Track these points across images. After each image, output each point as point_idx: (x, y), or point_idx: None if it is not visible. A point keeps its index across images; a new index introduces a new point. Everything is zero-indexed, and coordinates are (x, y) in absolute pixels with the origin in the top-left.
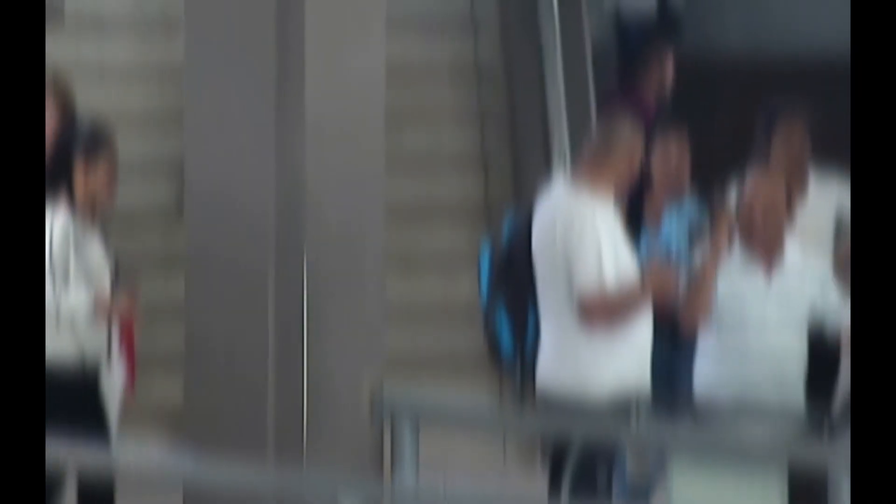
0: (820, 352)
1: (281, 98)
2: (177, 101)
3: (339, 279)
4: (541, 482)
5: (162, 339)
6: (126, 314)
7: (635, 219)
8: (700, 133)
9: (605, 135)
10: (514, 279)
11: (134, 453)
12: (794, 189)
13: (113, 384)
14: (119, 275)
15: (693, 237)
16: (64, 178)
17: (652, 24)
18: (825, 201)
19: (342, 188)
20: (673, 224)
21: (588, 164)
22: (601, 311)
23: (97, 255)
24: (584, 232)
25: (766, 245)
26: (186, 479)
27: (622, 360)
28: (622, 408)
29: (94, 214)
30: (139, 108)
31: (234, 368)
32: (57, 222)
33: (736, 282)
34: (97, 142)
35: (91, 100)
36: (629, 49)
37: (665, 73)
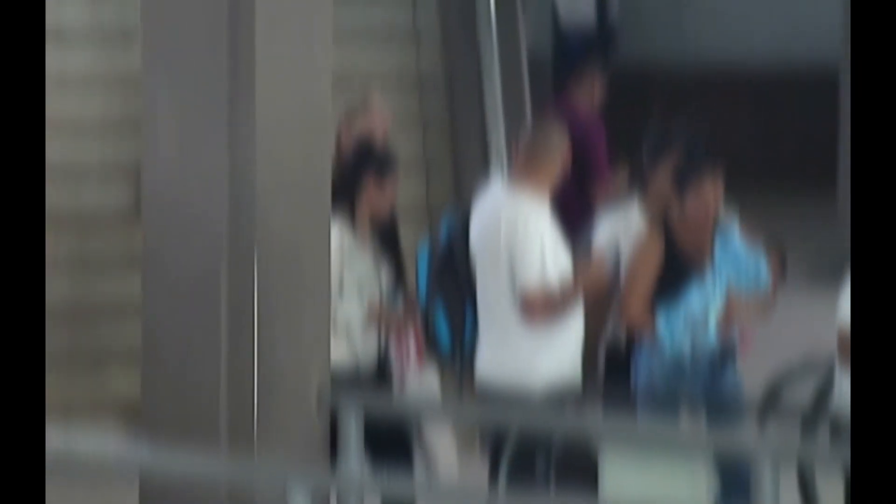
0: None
1: (233, 105)
2: (134, 108)
3: (289, 278)
4: (480, 471)
5: (120, 335)
6: (405, 318)
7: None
8: (633, 139)
9: (539, 140)
10: (452, 277)
11: (91, 444)
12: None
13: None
14: (399, 282)
15: (749, 271)
16: (350, 194)
17: (591, 35)
18: None
19: (291, 191)
20: (724, 255)
21: (524, 167)
22: (543, 307)
23: (369, 267)
24: (527, 231)
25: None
26: (142, 469)
27: (558, 354)
28: (557, 398)
29: (372, 230)
30: (98, 116)
31: (188, 363)
32: (333, 237)
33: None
34: (388, 162)
35: (51, 108)
36: (568, 58)
37: (600, 82)
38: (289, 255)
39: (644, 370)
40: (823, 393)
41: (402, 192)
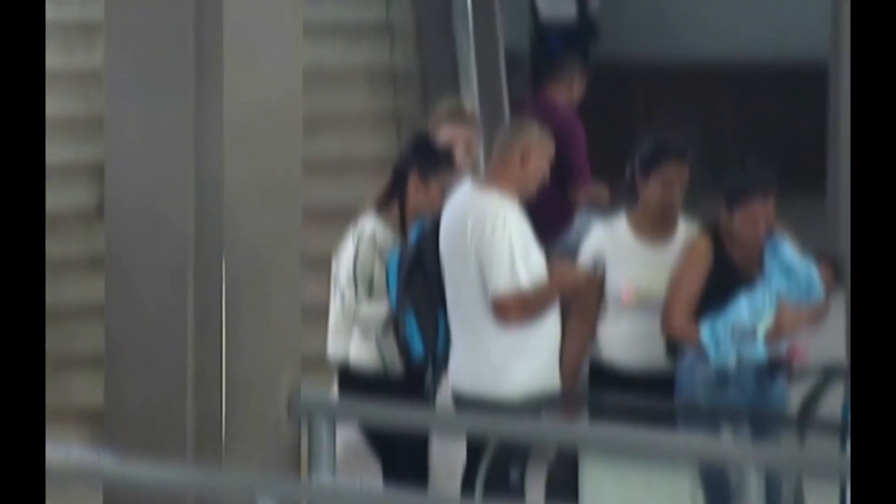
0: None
1: (200, 103)
2: (97, 105)
3: (257, 281)
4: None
5: (83, 338)
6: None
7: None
8: (612, 134)
9: (514, 137)
10: (422, 282)
11: (53, 452)
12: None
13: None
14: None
15: (801, 282)
16: (393, 191)
17: (571, 29)
18: None
19: (260, 191)
20: (775, 265)
21: (497, 166)
22: (516, 308)
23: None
24: (494, 230)
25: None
26: (106, 477)
27: (534, 360)
28: (535, 407)
29: (407, 229)
30: (61, 113)
31: (153, 368)
32: (366, 231)
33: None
34: (437, 160)
35: None
36: (546, 54)
37: (580, 78)
38: (258, 256)
39: (687, 382)
40: (812, 399)
41: (375, 193)
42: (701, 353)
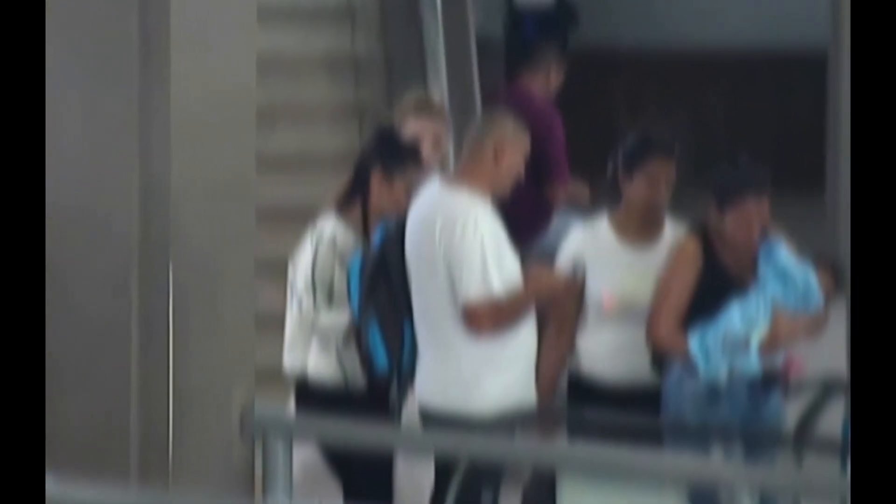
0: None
1: (145, 95)
2: None
3: (207, 288)
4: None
5: None
6: None
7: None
8: (593, 127)
9: (487, 131)
10: (386, 288)
11: None
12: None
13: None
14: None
15: (798, 288)
16: (355, 189)
17: (548, 13)
18: None
19: (210, 191)
20: (769, 270)
21: (468, 162)
22: (489, 317)
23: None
24: (465, 231)
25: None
26: (47, 501)
27: (508, 373)
28: (509, 424)
29: (370, 230)
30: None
31: (95, 385)
32: (325, 234)
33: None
34: (403, 156)
35: None
36: (522, 40)
37: (558, 67)
38: (208, 261)
39: (674, 397)
40: (810, 415)
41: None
42: (689, 365)
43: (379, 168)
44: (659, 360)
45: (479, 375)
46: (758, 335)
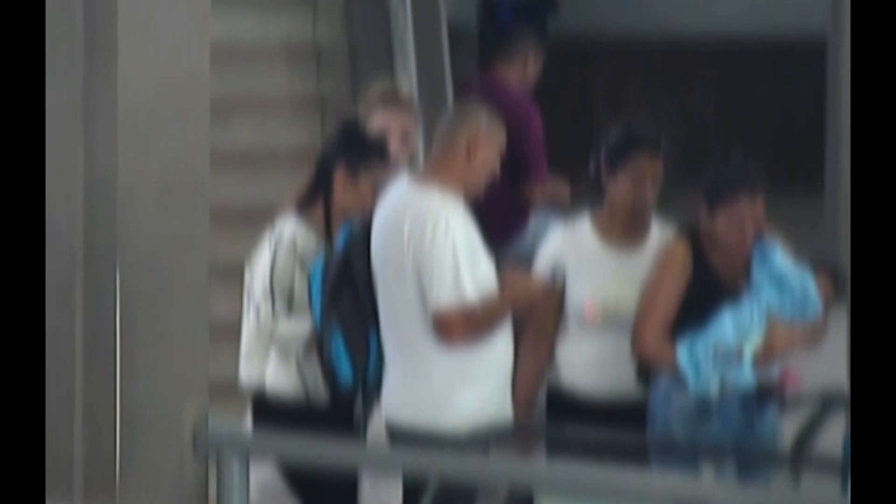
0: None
1: (89, 86)
2: None
3: (157, 295)
4: None
5: None
6: None
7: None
8: (574, 121)
9: (459, 125)
10: (351, 296)
11: None
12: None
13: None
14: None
15: (795, 294)
16: (317, 188)
17: None
18: None
19: (161, 190)
20: (764, 275)
21: (438, 158)
22: (461, 326)
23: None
24: (436, 233)
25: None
26: None
27: (482, 386)
28: (483, 441)
29: (333, 232)
30: None
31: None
32: (285, 236)
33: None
34: (368, 152)
35: None
36: (496, 27)
37: (536, 56)
38: (158, 266)
39: (661, 412)
40: (808, 432)
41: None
42: (677, 378)
43: (343, 165)
44: (645, 372)
45: (450, 389)
46: (751, 346)
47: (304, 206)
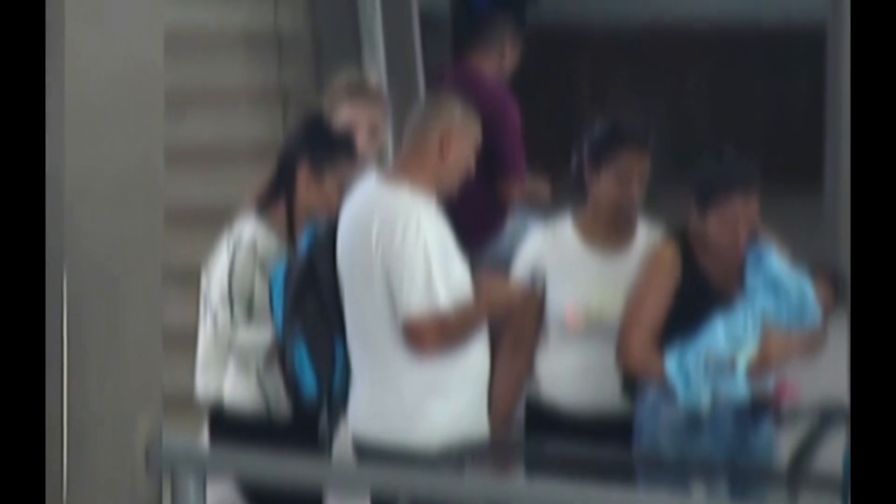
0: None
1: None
2: None
3: (107, 301)
4: None
5: None
6: None
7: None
8: (555, 114)
9: (431, 118)
10: (315, 302)
11: None
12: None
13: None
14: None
15: (792, 301)
16: (280, 187)
17: None
18: None
19: (111, 188)
20: (758, 280)
21: (409, 155)
22: (434, 335)
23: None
24: (407, 235)
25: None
26: None
27: (456, 399)
28: (457, 458)
29: (296, 234)
30: None
31: None
32: (245, 237)
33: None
34: (334, 148)
35: None
36: (473, 13)
37: (514, 44)
38: (108, 269)
39: (648, 427)
40: (806, 448)
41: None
42: (666, 390)
43: (306, 161)
44: (631, 384)
45: (422, 402)
46: (745, 355)
47: (265, 205)
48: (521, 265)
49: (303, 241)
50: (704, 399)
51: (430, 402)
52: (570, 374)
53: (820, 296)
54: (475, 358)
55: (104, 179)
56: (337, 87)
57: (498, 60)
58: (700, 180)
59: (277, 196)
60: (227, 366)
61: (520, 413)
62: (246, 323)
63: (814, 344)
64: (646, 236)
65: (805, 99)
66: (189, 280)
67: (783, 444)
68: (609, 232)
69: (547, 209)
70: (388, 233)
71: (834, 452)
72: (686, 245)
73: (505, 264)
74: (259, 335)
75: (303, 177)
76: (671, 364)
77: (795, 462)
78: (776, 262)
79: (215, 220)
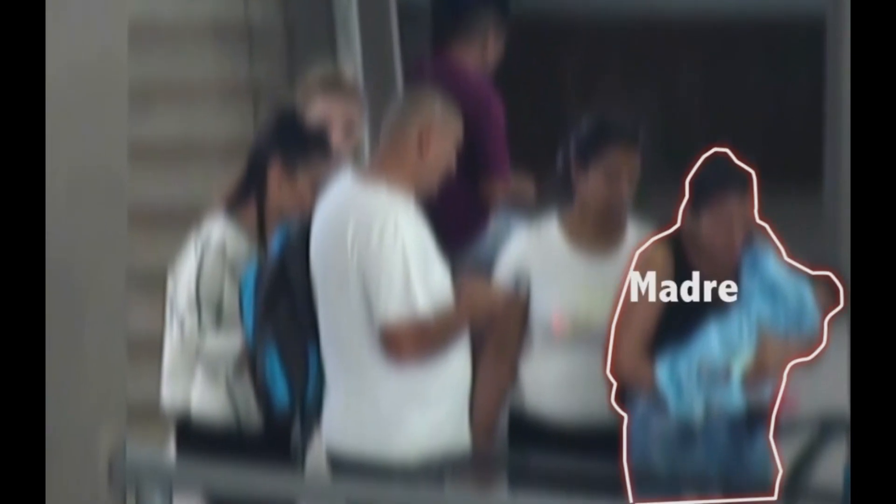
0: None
1: None
2: None
3: (69, 305)
4: None
5: None
6: None
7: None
8: (540, 110)
9: (410, 114)
10: (288, 307)
11: None
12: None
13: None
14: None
15: (790, 305)
16: (250, 186)
17: None
18: None
19: (74, 187)
20: (754, 284)
21: (387, 152)
22: (413, 342)
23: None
24: (384, 237)
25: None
26: None
27: (436, 409)
28: (436, 471)
29: (268, 235)
30: None
31: None
32: (213, 239)
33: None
34: (307, 145)
35: None
36: (454, 4)
37: (497, 36)
38: (70, 273)
39: (638, 439)
40: (805, 460)
41: (227, 189)
42: (657, 400)
43: (278, 159)
44: (620, 394)
45: (400, 412)
46: (740, 363)
47: (235, 205)
48: (505, 268)
49: (274, 243)
50: (697, 409)
51: (409, 412)
52: (555, 382)
53: (818, 300)
54: (456, 366)
55: (66, 178)
56: (310, 80)
57: (480, 53)
58: (693, 179)
59: (248, 195)
60: (195, 374)
61: (503, 424)
62: (215, 329)
63: (812, 351)
64: (635, 237)
65: (803, 95)
66: (155, 284)
67: (781, 457)
68: (597, 233)
69: (532, 209)
70: (364, 234)
71: (833, 465)
72: (678, 247)
73: (487, 267)
74: (228, 342)
75: (274, 175)
76: (662, 373)
77: (794, 475)
78: (773, 264)
79: (182, 221)
